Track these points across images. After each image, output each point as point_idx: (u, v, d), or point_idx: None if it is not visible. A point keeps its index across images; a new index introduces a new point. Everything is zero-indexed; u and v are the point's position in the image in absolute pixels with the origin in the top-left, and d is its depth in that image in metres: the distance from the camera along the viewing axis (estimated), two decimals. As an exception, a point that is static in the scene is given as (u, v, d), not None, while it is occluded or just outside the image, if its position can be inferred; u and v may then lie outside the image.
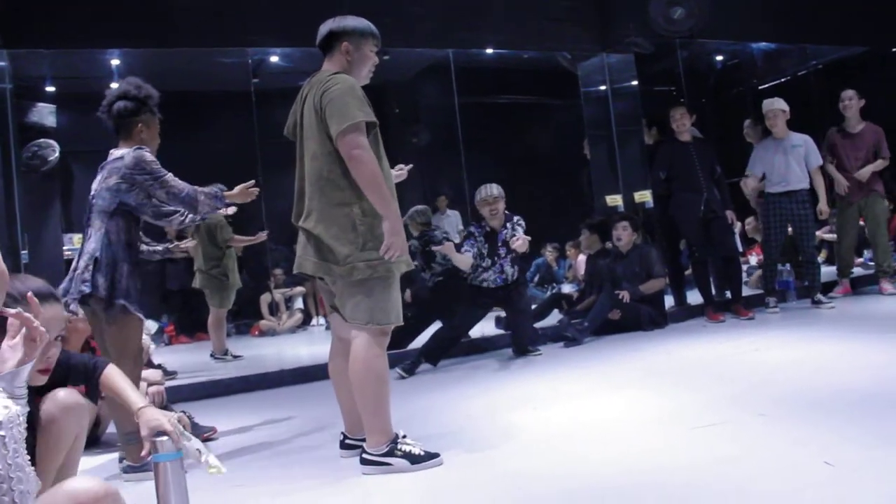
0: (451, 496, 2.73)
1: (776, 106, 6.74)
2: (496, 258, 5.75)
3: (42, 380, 2.17)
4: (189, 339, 9.48)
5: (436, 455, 3.05)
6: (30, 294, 1.87)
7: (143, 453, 2.32)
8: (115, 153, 3.61)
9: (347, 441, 3.36)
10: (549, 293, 9.06)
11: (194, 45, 6.16)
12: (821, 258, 10.21)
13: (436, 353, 5.75)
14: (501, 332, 6.43)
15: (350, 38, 3.19)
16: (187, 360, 7.21)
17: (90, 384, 2.58)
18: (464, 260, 5.67)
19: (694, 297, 6.94)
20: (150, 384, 4.09)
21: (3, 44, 6.47)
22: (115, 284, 3.43)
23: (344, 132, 2.97)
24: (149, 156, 3.56)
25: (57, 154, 8.37)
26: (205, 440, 4.04)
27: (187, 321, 9.63)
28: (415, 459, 3.01)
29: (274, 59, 8.42)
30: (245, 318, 9.98)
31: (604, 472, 2.72)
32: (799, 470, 2.47)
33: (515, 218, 5.83)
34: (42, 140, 8.75)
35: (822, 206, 6.77)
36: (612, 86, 7.19)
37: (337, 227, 3.04)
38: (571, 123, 8.02)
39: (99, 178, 3.59)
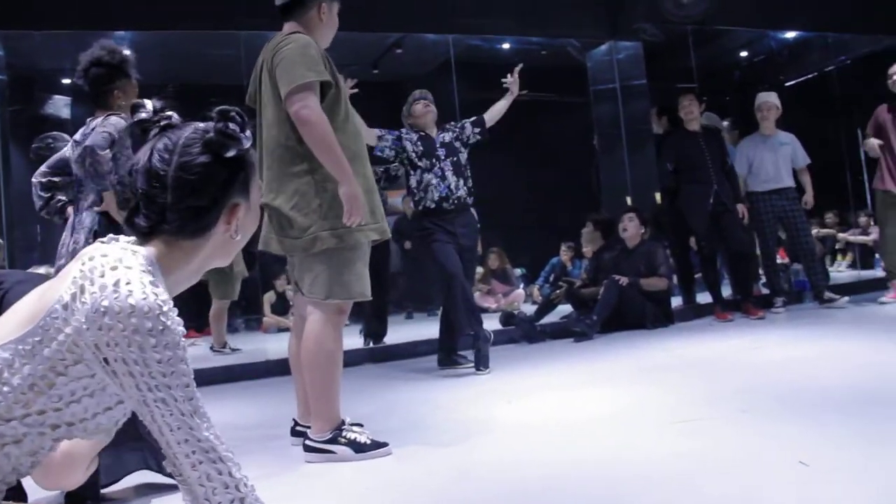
0: (394, 485, 2.51)
1: (771, 100, 6.53)
2: (434, 160, 4.88)
3: None
4: (198, 334, 9.13)
5: (384, 444, 2.84)
6: None
7: None
8: (91, 123, 3.47)
9: (297, 428, 3.16)
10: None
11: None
12: (846, 262, 9.86)
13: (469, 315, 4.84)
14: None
15: None
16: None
17: None
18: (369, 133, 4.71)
19: (705, 297, 6.62)
20: None
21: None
22: None
23: (291, 93, 2.78)
24: (99, 151, 3.32)
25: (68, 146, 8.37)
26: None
27: (194, 315, 9.39)
28: (359, 448, 2.80)
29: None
30: (255, 313, 9.80)
31: (560, 463, 2.50)
32: (768, 468, 2.22)
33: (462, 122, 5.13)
34: (55, 133, 8.78)
35: (808, 197, 6.58)
36: (621, 83, 6.91)
37: (298, 197, 2.84)
38: (581, 121, 7.74)
39: (79, 150, 3.43)
